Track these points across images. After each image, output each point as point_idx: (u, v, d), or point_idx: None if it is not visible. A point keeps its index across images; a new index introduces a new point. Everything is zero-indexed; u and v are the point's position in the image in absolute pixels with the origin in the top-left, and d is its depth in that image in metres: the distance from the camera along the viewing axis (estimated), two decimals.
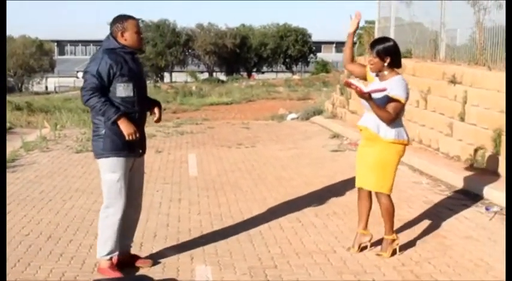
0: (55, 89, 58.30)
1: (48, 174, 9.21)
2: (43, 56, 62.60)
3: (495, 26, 9.31)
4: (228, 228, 6.31)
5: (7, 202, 7.31)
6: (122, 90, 4.78)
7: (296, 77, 50.65)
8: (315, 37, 69.44)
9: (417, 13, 12.42)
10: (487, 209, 6.81)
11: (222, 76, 58.99)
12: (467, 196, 7.41)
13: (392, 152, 5.22)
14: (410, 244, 5.68)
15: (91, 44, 72.81)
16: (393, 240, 5.36)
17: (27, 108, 23.74)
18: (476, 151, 8.46)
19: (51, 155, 10.98)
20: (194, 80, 51.44)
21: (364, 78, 5.38)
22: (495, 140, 8.06)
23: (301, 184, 8.37)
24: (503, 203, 6.72)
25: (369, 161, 5.26)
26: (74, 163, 10.10)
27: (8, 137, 13.91)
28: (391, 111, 5.04)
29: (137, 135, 4.80)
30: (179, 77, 59.79)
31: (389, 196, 5.30)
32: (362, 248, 5.45)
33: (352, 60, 5.53)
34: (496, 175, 7.84)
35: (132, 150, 4.91)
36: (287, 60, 66.53)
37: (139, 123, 4.94)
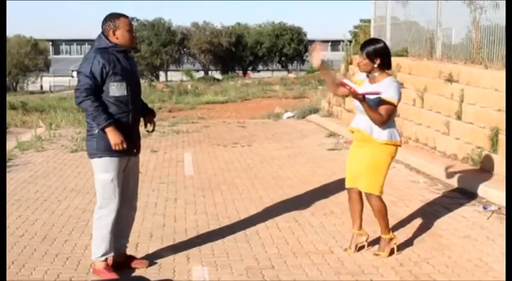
0: (50, 88, 58.09)
1: (43, 174, 9.16)
2: (38, 56, 62.36)
3: (491, 25, 9.30)
4: (224, 228, 6.27)
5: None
6: (115, 89, 4.73)
7: (292, 75, 50.59)
8: (310, 35, 69.37)
9: (413, 12, 12.41)
10: (484, 208, 6.78)
11: (217, 75, 58.87)
12: (465, 195, 7.38)
13: (385, 153, 5.20)
14: (408, 243, 5.65)
15: (86, 43, 72.54)
16: (391, 239, 5.33)
17: (22, 108, 23.66)
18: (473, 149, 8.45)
19: (46, 154, 10.92)
20: (190, 78, 51.33)
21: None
22: (492, 139, 8.04)
23: (298, 183, 8.33)
24: (501, 202, 6.71)
25: (361, 162, 5.23)
26: (69, 163, 10.05)
27: None
28: (383, 113, 5.04)
29: (124, 146, 4.73)
30: (174, 76, 59.64)
31: (379, 196, 5.26)
32: (359, 248, 5.41)
33: (337, 85, 5.41)
34: (493, 174, 7.82)
35: (126, 150, 4.86)
36: (282, 58, 66.50)
37: (133, 123, 4.89)
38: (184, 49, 63.87)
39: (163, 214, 6.86)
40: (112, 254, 4.92)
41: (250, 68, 65.62)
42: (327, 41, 77.55)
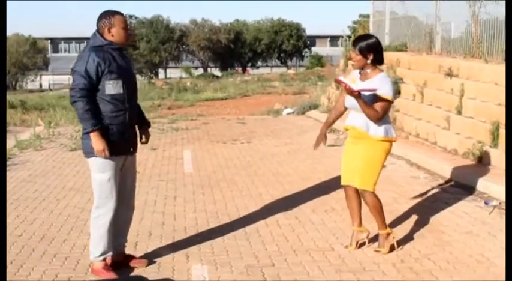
0: (49, 86, 58.03)
1: (42, 173, 9.12)
2: (37, 54, 62.26)
3: (491, 19, 9.26)
4: (224, 225, 6.23)
5: None
6: (111, 87, 4.67)
7: (291, 71, 50.52)
8: (309, 31, 69.33)
9: (412, 7, 12.37)
10: (486, 203, 6.74)
11: (216, 72, 58.79)
12: (466, 190, 7.33)
13: (380, 150, 5.18)
14: (409, 239, 5.60)
15: (85, 42, 72.14)
16: (388, 234, 5.29)
17: (21, 107, 23.65)
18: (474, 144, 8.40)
19: (45, 153, 10.88)
20: (189, 76, 51.26)
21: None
22: (493, 133, 8.00)
23: (298, 180, 8.29)
24: (502, 197, 6.65)
25: (357, 158, 5.20)
26: (68, 161, 10.00)
27: None
28: (379, 110, 5.02)
29: (106, 154, 4.67)
30: (174, 73, 59.57)
31: (373, 192, 5.22)
32: (360, 245, 5.37)
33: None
34: (494, 168, 7.77)
35: (122, 148, 4.81)
36: (282, 55, 66.41)
37: (129, 121, 4.84)
38: (183, 46, 63.79)
39: (163, 212, 6.81)
40: (110, 253, 4.88)
41: (249, 64, 65.53)
42: (326, 37, 77.65)
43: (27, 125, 16.44)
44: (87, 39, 4.92)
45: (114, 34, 4.72)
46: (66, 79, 56.80)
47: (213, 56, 62.55)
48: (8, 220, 6.48)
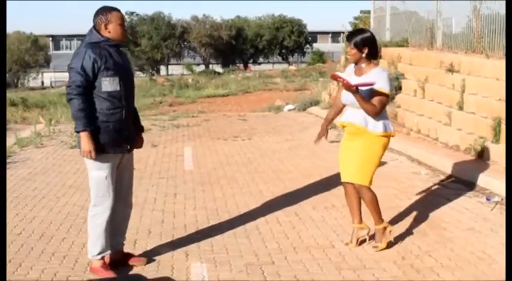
0: (51, 84, 58.02)
1: (42, 170, 9.09)
2: (38, 52, 62.26)
3: (492, 14, 9.19)
4: (224, 223, 6.19)
5: None
6: (108, 84, 4.63)
7: (292, 67, 50.40)
8: (311, 27, 69.19)
9: (412, 3, 12.32)
10: (487, 199, 6.69)
11: (218, 68, 58.70)
12: (467, 186, 7.29)
13: (379, 145, 5.16)
14: (410, 236, 5.57)
15: None
16: (385, 228, 5.26)
17: (23, 104, 23.64)
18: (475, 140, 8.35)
19: (45, 151, 10.85)
20: (190, 72, 51.19)
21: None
22: (495, 129, 7.95)
23: (299, 177, 8.25)
24: (504, 193, 6.61)
25: (354, 154, 5.16)
26: (68, 159, 9.97)
27: None
28: (376, 105, 4.99)
29: (93, 156, 4.64)
30: (175, 69, 59.54)
31: (369, 187, 5.19)
32: (361, 242, 5.33)
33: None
34: (496, 164, 7.72)
35: (119, 146, 4.78)
36: (283, 51, 66.32)
37: (126, 119, 4.79)
38: (185, 43, 63.71)
39: (162, 209, 6.78)
40: (109, 252, 4.85)
41: (250, 61, 65.44)
42: (327, 33, 77.53)
43: (28, 123, 16.42)
44: None
45: (111, 30, 4.67)
46: (68, 76, 56.93)
47: (215, 53, 62.48)
48: (7, 218, 6.45)
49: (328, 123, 5.58)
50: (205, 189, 7.68)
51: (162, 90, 27.97)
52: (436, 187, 7.44)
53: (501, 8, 8.69)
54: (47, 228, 6.13)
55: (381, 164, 8.33)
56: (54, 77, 60.82)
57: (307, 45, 67.64)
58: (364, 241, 5.35)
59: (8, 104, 22.49)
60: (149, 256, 5.20)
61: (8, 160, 9.90)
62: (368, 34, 5.11)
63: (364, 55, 5.04)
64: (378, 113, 5.02)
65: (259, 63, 65.16)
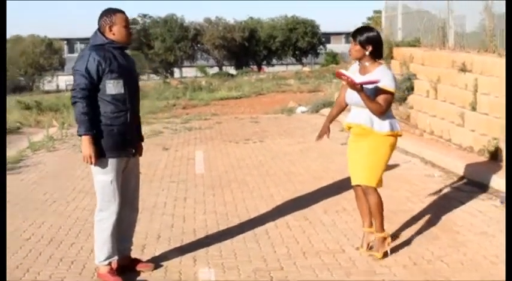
0: (66, 87, 58.31)
1: (53, 175, 9.10)
2: (53, 55, 62.59)
3: (504, 12, 9.05)
4: (233, 227, 6.13)
5: (10, 204, 7.18)
6: (112, 87, 4.58)
7: (306, 69, 50.24)
8: (324, 28, 68.94)
9: (425, 2, 12.20)
10: (501, 202, 6.58)
11: (231, 70, 58.67)
12: (481, 189, 7.18)
13: (387, 145, 5.03)
14: (422, 240, 5.48)
15: None
16: (384, 238, 5.12)
17: (37, 108, 23.68)
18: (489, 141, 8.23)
19: (57, 154, 10.87)
20: (204, 74, 51.18)
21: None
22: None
23: (310, 179, 8.18)
24: None
25: (361, 155, 5.04)
26: (79, 162, 9.82)
27: (15, 137, 13.86)
28: (382, 103, 4.86)
29: (92, 161, 4.60)
30: (189, 72, 59.55)
31: (376, 190, 5.07)
32: (371, 247, 5.24)
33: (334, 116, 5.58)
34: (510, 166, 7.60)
35: (123, 149, 4.73)
36: (297, 52, 66.16)
37: (131, 122, 4.74)
38: (198, 45, 63.76)
39: (172, 214, 6.73)
40: (116, 257, 4.80)
41: (264, 62, 65.36)
42: (341, 34, 77.27)
43: (41, 127, 16.44)
44: None
45: (116, 33, 4.63)
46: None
47: (228, 55, 62.47)
48: (16, 223, 6.46)
49: (330, 120, 5.48)
50: (216, 193, 7.63)
51: (176, 93, 27.92)
52: (449, 189, 7.34)
53: None
54: (56, 233, 6.11)
55: (394, 166, 8.32)
56: (69, 80, 61.13)
57: (321, 46, 67.44)
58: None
59: (22, 108, 22.60)
60: (157, 261, 5.15)
61: (19, 164, 9.94)
62: (374, 33, 5.00)
63: (367, 53, 4.92)
64: (384, 112, 4.90)
65: (273, 65, 65.06)
